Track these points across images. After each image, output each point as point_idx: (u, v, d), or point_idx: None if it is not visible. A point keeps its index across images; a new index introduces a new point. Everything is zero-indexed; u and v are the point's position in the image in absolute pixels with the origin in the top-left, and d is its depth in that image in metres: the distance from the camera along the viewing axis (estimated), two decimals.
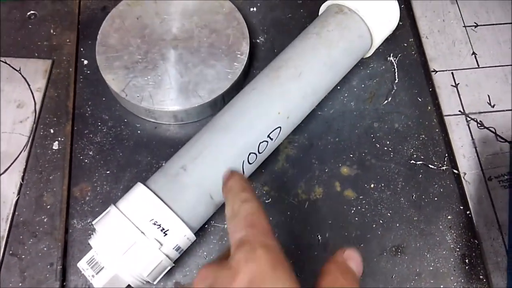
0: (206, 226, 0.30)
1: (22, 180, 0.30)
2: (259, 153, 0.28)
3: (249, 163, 0.28)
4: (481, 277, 0.30)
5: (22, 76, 0.32)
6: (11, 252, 0.28)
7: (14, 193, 0.29)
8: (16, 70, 0.33)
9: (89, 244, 0.28)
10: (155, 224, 0.25)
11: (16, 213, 0.29)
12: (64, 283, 0.28)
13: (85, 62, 0.35)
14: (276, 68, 0.28)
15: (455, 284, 0.29)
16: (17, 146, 0.30)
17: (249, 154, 0.28)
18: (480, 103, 0.34)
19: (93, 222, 0.26)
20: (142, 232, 0.24)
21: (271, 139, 0.28)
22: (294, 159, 0.32)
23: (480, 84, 0.35)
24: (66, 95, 0.33)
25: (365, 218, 0.31)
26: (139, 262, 0.24)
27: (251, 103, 0.28)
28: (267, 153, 0.29)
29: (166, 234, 0.25)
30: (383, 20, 0.32)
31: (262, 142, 0.28)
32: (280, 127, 0.28)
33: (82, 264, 0.25)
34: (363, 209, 0.31)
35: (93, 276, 0.25)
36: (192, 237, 0.26)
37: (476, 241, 0.31)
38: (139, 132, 0.33)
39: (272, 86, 0.28)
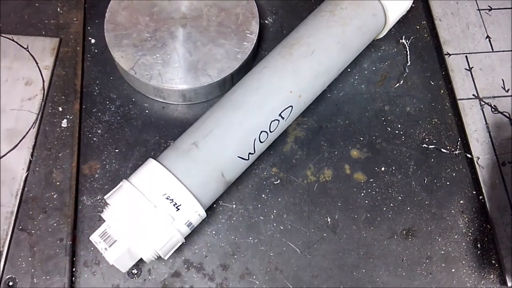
0: (214, 205, 0.33)
1: (31, 156, 0.32)
2: (270, 132, 0.31)
3: (260, 141, 0.30)
4: (493, 261, 0.32)
5: (30, 54, 0.35)
6: (20, 227, 0.31)
7: (24, 169, 0.32)
8: (24, 48, 0.35)
9: (100, 219, 0.31)
10: (167, 198, 0.27)
11: (26, 189, 0.32)
12: (74, 258, 0.31)
13: (93, 41, 0.37)
14: (289, 46, 0.31)
15: (466, 268, 0.32)
16: (26, 123, 0.33)
17: (261, 133, 0.30)
18: (494, 88, 0.37)
19: (105, 197, 0.28)
20: (155, 206, 0.27)
21: (283, 118, 0.31)
22: (303, 141, 0.35)
23: (494, 68, 0.38)
24: (74, 73, 0.35)
25: (375, 201, 0.33)
26: (151, 236, 0.27)
27: (263, 80, 0.30)
28: (278, 133, 0.32)
29: (178, 209, 0.27)
30: None
31: (274, 120, 0.30)
32: (291, 106, 0.31)
33: (94, 237, 0.28)
34: (374, 192, 0.34)
35: (105, 249, 0.27)
36: (203, 213, 0.29)
37: (488, 226, 0.33)
38: (147, 111, 0.35)
39: (284, 64, 0.30)
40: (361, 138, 0.35)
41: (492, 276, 0.32)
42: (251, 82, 0.31)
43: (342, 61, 0.33)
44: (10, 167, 0.32)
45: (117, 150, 0.34)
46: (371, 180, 0.34)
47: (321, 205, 0.33)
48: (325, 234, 0.32)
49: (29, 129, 0.33)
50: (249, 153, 0.30)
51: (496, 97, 0.37)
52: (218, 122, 0.29)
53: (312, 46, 0.31)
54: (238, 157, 0.30)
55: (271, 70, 0.31)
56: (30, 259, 0.30)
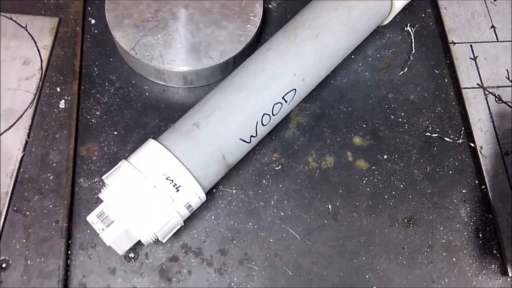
0: (214, 190, 0.32)
1: (28, 137, 0.31)
2: (273, 115, 0.30)
3: (263, 124, 0.30)
4: (494, 251, 0.32)
5: (29, 33, 0.34)
6: (15, 208, 0.30)
7: (19, 149, 0.31)
8: (22, 27, 0.34)
9: (97, 202, 0.31)
10: (167, 179, 0.26)
11: (21, 169, 0.31)
12: (70, 241, 0.30)
13: (92, 21, 0.36)
14: (293, 29, 0.30)
15: (467, 258, 0.31)
16: (23, 103, 0.32)
17: (263, 115, 0.29)
18: (499, 77, 0.36)
19: (103, 177, 0.27)
20: (154, 186, 0.26)
21: (286, 101, 0.30)
22: (305, 127, 0.34)
23: (499, 58, 0.37)
24: (73, 54, 0.34)
25: (377, 188, 0.33)
26: (150, 216, 0.26)
27: (266, 63, 0.30)
28: (280, 116, 0.31)
29: (178, 190, 0.27)
30: None
31: (277, 103, 0.30)
32: (295, 90, 0.30)
33: (91, 218, 0.27)
34: (375, 180, 0.33)
35: (103, 229, 0.26)
36: (203, 196, 0.28)
37: (490, 215, 0.33)
38: (147, 94, 0.34)
39: (288, 46, 0.30)
40: (364, 126, 0.35)
41: (493, 266, 0.31)
42: (254, 64, 0.30)
43: (347, 44, 0.32)
44: (5, 147, 0.31)
45: (115, 133, 0.33)
46: (373, 167, 0.33)
47: (322, 192, 0.32)
48: (325, 221, 0.32)
49: (26, 109, 0.32)
50: (251, 136, 0.29)
51: (500, 87, 0.36)
52: (220, 103, 0.29)
53: (317, 29, 0.30)
54: (240, 139, 0.29)
55: (275, 52, 0.30)
56: (24, 241, 0.29)
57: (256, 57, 0.30)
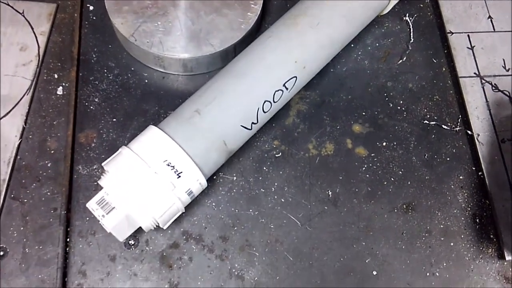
0: (214, 177, 0.31)
1: (25, 123, 0.31)
2: (274, 102, 0.30)
3: (264, 111, 0.29)
4: (491, 236, 0.32)
5: (26, 19, 0.33)
6: (12, 195, 0.29)
7: (17, 136, 0.30)
8: (19, 13, 0.33)
9: (96, 189, 0.30)
10: (168, 165, 0.26)
11: (18, 156, 0.30)
12: (69, 228, 0.29)
13: (91, 8, 0.36)
14: (294, 17, 0.30)
15: (465, 242, 0.31)
16: (20, 90, 0.31)
17: (264, 102, 0.29)
18: (495, 67, 0.37)
19: (102, 164, 0.27)
20: (155, 173, 0.26)
21: (287, 88, 0.30)
22: (306, 115, 0.34)
23: (496, 48, 0.37)
24: (70, 40, 0.34)
25: (376, 175, 0.33)
26: (151, 203, 0.25)
27: (267, 50, 0.29)
28: (281, 104, 0.31)
29: (179, 177, 0.26)
30: None
31: (278, 91, 0.29)
32: (296, 77, 0.30)
33: (91, 204, 0.26)
34: (375, 167, 0.33)
35: (103, 216, 0.26)
36: (204, 182, 0.28)
37: (487, 201, 0.33)
38: (146, 81, 0.34)
39: (289, 34, 0.29)
40: (363, 113, 0.34)
41: (490, 250, 0.31)
42: (255, 52, 0.29)
43: (347, 33, 0.32)
44: (2, 134, 0.30)
45: (114, 120, 0.32)
46: (372, 154, 0.33)
47: (322, 178, 0.32)
48: (325, 207, 0.31)
49: (23, 96, 0.31)
50: (252, 123, 0.29)
51: (497, 76, 0.36)
52: (221, 90, 0.28)
53: (317, 18, 0.30)
54: (241, 126, 0.28)
55: (276, 40, 0.30)
56: (22, 228, 0.29)
57: (257, 45, 0.30)
